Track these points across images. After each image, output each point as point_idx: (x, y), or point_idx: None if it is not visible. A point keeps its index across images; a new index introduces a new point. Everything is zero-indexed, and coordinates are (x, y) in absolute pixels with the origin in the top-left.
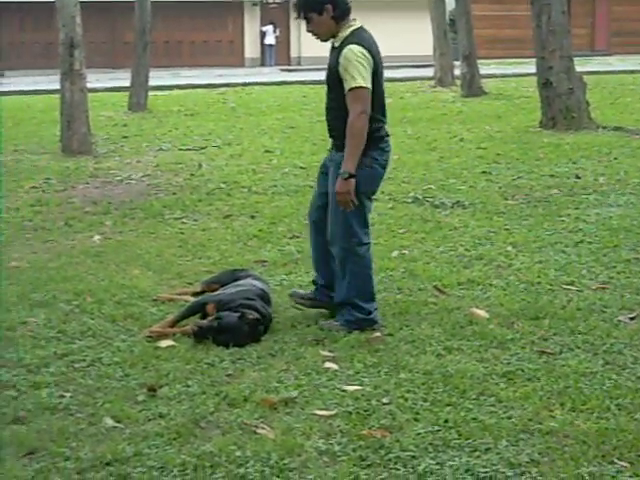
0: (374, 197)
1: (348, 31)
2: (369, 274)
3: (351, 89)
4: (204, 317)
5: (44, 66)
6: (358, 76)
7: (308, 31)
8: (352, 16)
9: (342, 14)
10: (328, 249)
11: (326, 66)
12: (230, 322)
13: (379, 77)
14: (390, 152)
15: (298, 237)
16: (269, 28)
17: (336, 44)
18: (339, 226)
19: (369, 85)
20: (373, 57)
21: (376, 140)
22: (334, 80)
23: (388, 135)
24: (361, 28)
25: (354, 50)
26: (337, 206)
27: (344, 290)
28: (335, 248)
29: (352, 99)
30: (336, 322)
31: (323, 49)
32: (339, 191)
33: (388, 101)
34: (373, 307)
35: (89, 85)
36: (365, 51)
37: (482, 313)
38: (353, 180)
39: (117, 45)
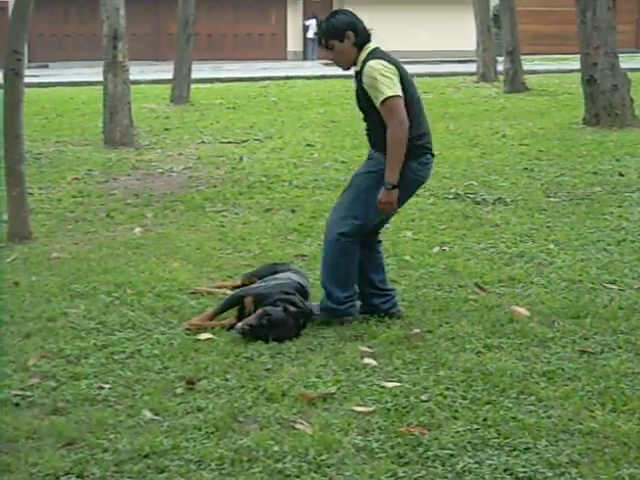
0: None
1: (365, 53)
2: (348, 264)
3: (382, 102)
4: (242, 310)
5: (88, 58)
6: (385, 88)
7: (331, 59)
8: (390, 21)
9: (363, 41)
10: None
11: None
12: (279, 317)
13: (409, 87)
14: (430, 169)
15: None
16: (312, 22)
17: (357, 69)
18: (340, 212)
19: (400, 92)
20: (396, 66)
21: (414, 150)
22: (365, 104)
23: (430, 150)
24: (377, 48)
25: (374, 65)
26: (348, 195)
27: (325, 275)
28: (329, 234)
29: (386, 112)
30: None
31: None
32: (382, 200)
33: (429, 96)
34: (347, 295)
35: (132, 77)
36: (385, 62)
37: (523, 311)
38: (396, 191)
39: (161, 37)
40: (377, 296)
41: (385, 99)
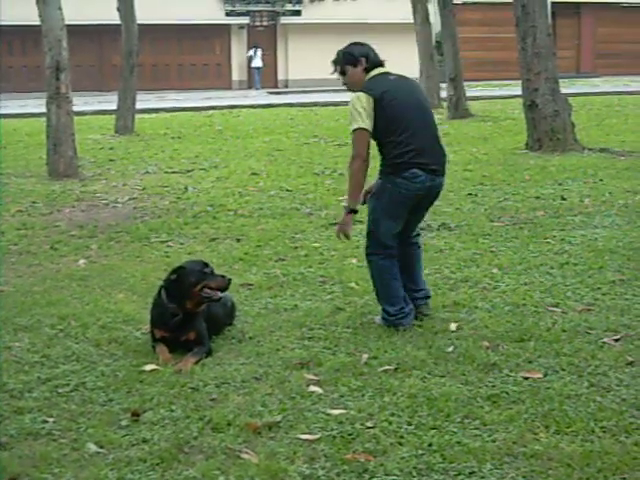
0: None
1: (366, 79)
2: (387, 280)
3: (352, 132)
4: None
5: (32, 89)
6: (353, 121)
7: (343, 84)
8: (333, 50)
9: (373, 66)
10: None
11: (309, 89)
12: None
13: (391, 109)
14: (420, 181)
15: (284, 260)
16: (252, 51)
17: None
18: (368, 233)
19: (364, 126)
20: (373, 95)
21: (400, 169)
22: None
23: (415, 164)
24: (375, 75)
25: (352, 98)
26: (369, 216)
27: (376, 294)
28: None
29: (352, 142)
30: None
31: (310, 72)
32: (337, 222)
33: None
34: (397, 309)
35: (76, 108)
36: (364, 94)
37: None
38: (352, 215)
39: (105, 68)
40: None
41: (353, 130)
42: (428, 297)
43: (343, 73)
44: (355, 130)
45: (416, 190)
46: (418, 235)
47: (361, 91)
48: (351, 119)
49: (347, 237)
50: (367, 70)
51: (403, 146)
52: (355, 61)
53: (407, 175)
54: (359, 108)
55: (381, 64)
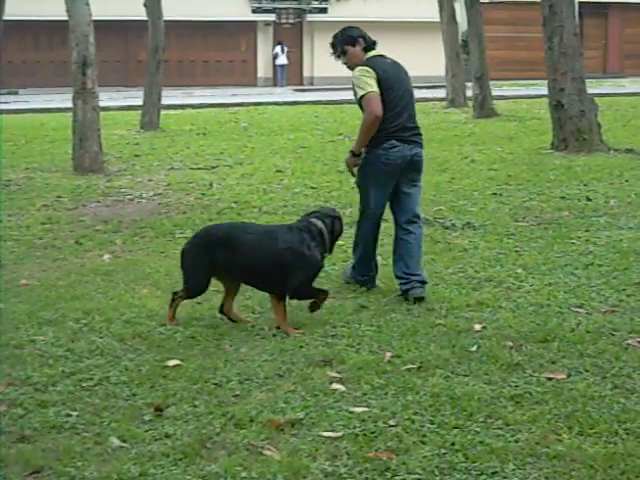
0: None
1: (364, 58)
2: (365, 242)
3: (361, 97)
4: None
5: (58, 84)
6: (363, 87)
7: (343, 63)
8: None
9: (370, 46)
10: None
11: (335, 86)
12: None
13: (387, 89)
14: (398, 152)
15: None
16: (278, 49)
17: None
18: (360, 201)
19: (374, 89)
20: (376, 71)
21: (379, 140)
22: (357, 101)
23: (396, 136)
24: (377, 56)
25: (356, 70)
26: (358, 185)
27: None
28: None
29: (364, 105)
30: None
31: (336, 69)
32: (345, 160)
33: None
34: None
35: (102, 104)
36: (367, 67)
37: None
38: (355, 158)
39: (131, 64)
40: (397, 278)
41: (362, 95)
42: (424, 282)
43: (344, 53)
44: (367, 94)
45: (396, 159)
46: (414, 223)
47: (365, 65)
48: (361, 87)
49: (352, 173)
50: (365, 50)
51: (387, 123)
52: (354, 41)
53: (386, 146)
54: (367, 77)
55: (375, 45)
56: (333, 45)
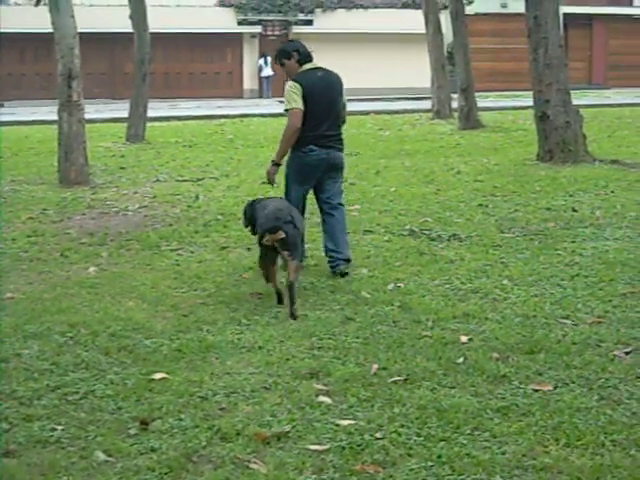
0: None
1: (299, 71)
2: None
3: (286, 111)
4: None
5: (44, 97)
6: (287, 102)
7: (285, 73)
8: (346, 59)
9: (304, 59)
10: None
11: None
12: None
13: (311, 102)
14: (315, 156)
15: None
16: (261, 60)
17: None
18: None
19: (297, 106)
20: (302, 87)
21: (300, 145)
22: (285, 111)
23: (314, 143)
24: (310, 69)
25: (287, 84)
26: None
27: None
28: None
29: (288, 118)
30: None
31: None
32: (266, 170)
33: (386, 133)
34: None
35: (88, 116)
36: (295, 82)
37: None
38: (275, 167)
39: (117, 76)
40: (326, 256)
41: (286, 109)
42: (348, 260)
43: (282, 65)
44: (291, 109)
45: (312, 161)
46: (337, 209)
47: (294, 80)
48: (288, 101)
49: (271, 183)
50: (300, 62)
51: (309, 131)
52: (288, 55)
53: (305, 150)
54: (293, 93)
55: (311, 58)
56: (275, 57)
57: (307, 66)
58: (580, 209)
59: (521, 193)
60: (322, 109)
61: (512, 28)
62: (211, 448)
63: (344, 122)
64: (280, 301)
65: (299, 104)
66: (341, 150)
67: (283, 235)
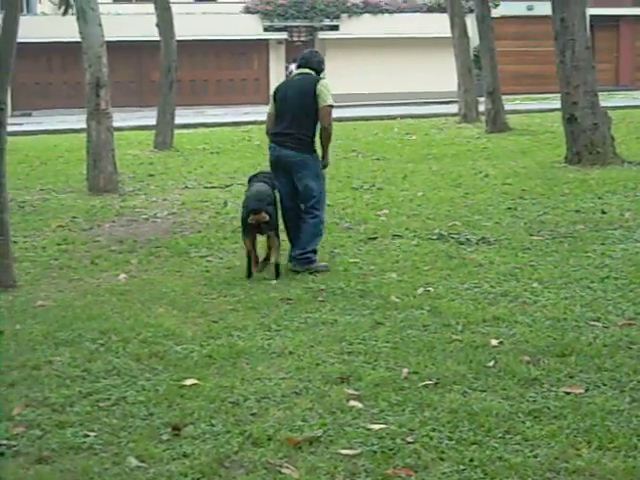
0: None
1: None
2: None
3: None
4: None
5: (72, 106)
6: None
7: None
8: (373, 64)
9: (298, 66)
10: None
11: (348, 103)
12: None
13: (277, 105)
14: (271, 153)
15: (323, 273)
16: (292, 66)
17: None
18: None
19: (271, 110)
20: (275, 92)
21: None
22: None
23: (274, 142)
24: (294, 76)
25: None
26: None
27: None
28: None
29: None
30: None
31: (347, 87)
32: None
33: (412, 138)
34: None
35: (116, 124)
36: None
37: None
38: None
39: (144, 84)
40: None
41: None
42: (308, 261)
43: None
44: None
45: (271, 157)
46: (307, 214)
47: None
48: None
49: None
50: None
51: (273, 129)
52: (294, 62)
53: (269, 147)
54: (272, 98)
55: (304, 65)
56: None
57: (296, 71)
58: (609, 211)
59: (550, 196)
60: (282, 111)
61: (538, 30)
62: (243, 453)
63: (325, 124)
64: (250, 274)
65: (271, 109)
66: (294, 149)
67: (267, 217)
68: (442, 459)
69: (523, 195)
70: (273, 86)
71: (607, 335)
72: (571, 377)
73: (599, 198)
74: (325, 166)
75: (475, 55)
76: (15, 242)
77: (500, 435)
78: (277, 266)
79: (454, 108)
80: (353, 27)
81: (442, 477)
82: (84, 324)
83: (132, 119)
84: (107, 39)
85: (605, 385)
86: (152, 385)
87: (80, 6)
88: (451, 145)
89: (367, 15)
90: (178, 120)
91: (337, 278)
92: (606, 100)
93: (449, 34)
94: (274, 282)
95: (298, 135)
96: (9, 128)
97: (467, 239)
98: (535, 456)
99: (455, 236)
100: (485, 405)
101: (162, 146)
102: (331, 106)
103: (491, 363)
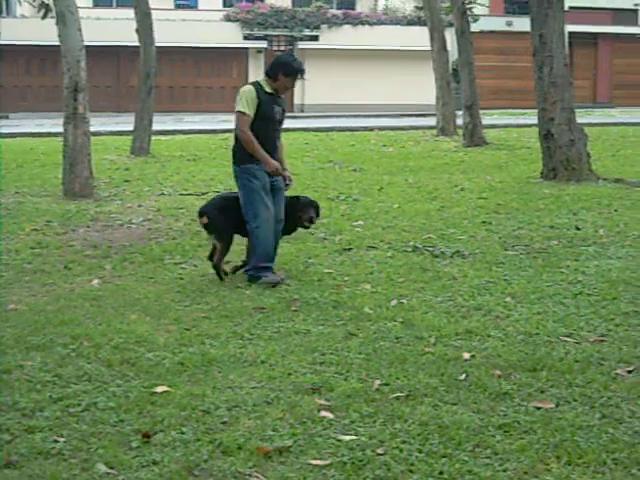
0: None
1: None
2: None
3: None
4: None
5: (49, 109)
6: None
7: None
8: (351, 76)
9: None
10: None
11: (326, 114)
12: None
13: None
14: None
15: (297, 283)
16: None
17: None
18: None
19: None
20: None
21: None
22: None
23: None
24: None
25: None
26: None
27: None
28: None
29: None
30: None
31: (326, 97)
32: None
33: (390, 149)
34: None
35: (93, 128)
36: None
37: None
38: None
39: (122, 89)
40: None
41: None
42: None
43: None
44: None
45: None
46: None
47: None
48: None
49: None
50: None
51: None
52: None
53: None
54: None
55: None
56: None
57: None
58: (583, 227)
59: (525, 211)
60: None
61: (517, 46)
62: (213, 462)
63: (236, 130)
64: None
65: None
66: (233, 162)
67: (206, 220)
68: (412, 471)
69: (498, 209)
70: None
71: (579, 351)
72: (542, 392)
73: (574, 214)
74: (274, 172)
75: (454, 69)
76: None
77: (470, 448)
78: (215, 267)
79: (432, 121)
80: (333, 38)
81: None
82: (56, 329)
83: (109, 124)
84: (86, 43)
85: (576, 401)
86: (123, 391)
87: (60, 10)
88: (428, 158)
89: (347, 26)
90: (156, 126)
91: (311, 288)
92: (583, 117)
93: (428, 47)
94: (248, 292)
95: (232, 146)
96: None
97: (442, 252)
98: (504, 470)
99: (430, 249)
100: (456, 418)
101: (139, 152)
102: (240, 112)
103: (462, 376)
